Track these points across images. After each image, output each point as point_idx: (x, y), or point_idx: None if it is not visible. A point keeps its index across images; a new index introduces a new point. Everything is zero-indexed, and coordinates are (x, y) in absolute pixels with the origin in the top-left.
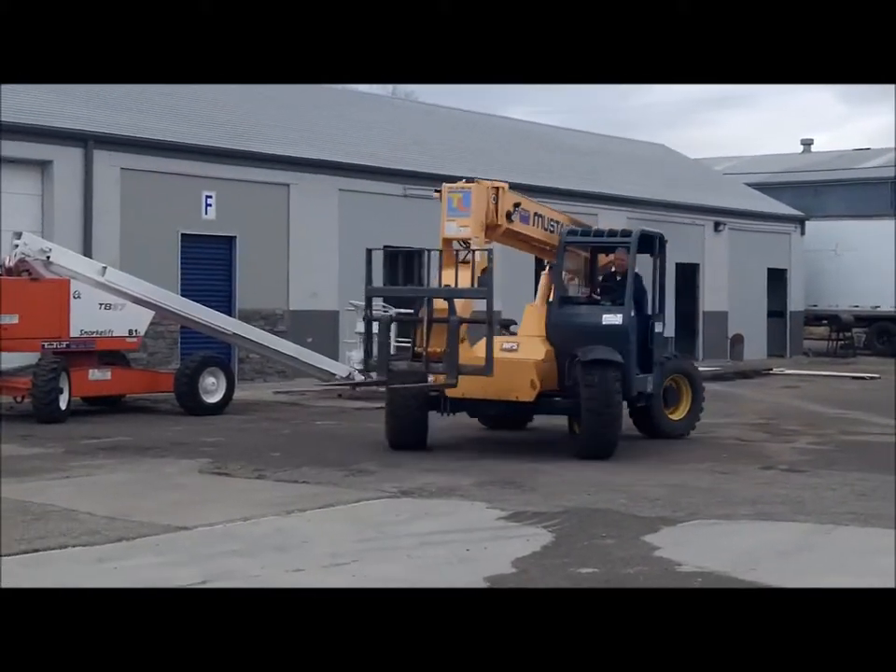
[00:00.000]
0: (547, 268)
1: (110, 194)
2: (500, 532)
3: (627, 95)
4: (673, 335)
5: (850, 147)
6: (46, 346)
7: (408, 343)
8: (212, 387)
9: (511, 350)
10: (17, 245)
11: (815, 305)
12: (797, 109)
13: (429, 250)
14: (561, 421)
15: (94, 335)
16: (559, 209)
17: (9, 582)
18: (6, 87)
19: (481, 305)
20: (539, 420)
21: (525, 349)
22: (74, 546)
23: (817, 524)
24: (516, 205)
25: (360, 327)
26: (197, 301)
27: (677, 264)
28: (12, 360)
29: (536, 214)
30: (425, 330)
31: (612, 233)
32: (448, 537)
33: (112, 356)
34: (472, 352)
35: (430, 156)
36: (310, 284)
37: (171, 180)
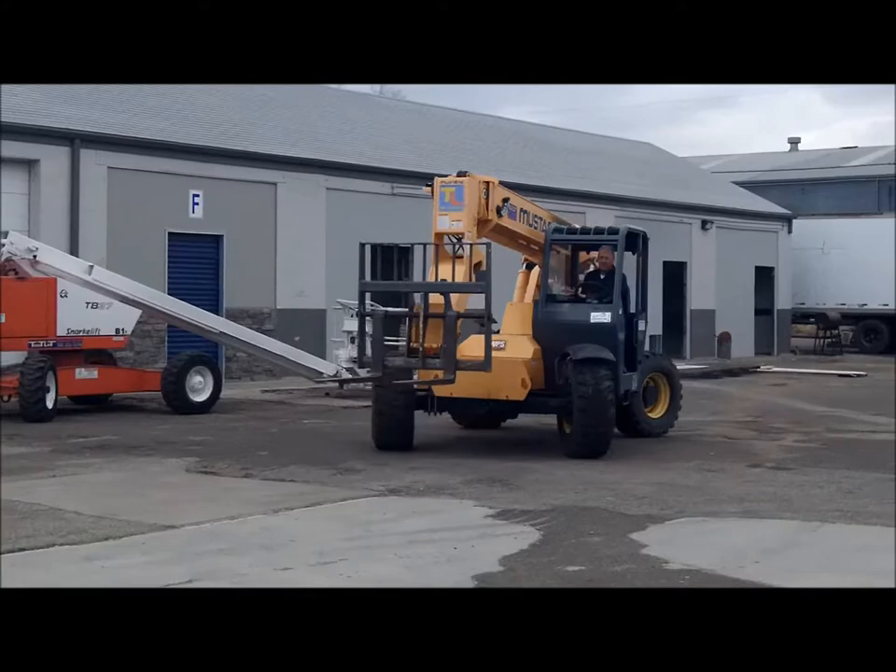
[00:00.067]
0: (524, 266)
1: (97, 193)
2: (488, 530)
3: (615, 95)
4: (661, 333)
5: (837, 146)
6: (32, 345)
7: (395, 341)
8: (199, 386)
9: (498, 349)
10: (3, 245)
11: (802, 303)
12: (784, 108)
13: (424, 244)
14: (542, 419)
15: (81, 334)
16: (547, 207)
17: None
18: None
19: (473, 301)
20: (522, 418)
21: (512, 348)
22: (61, 545)
23: (804, 521)
24: (505, 200)
25: (348, 325)
26: (184, 300)
27: (664, 262)
28: None
29: (521, 210)
30: (421, 326)
31: (599, 231)
32: (436, 535)
33: (99, 354)
34: (460, 348)
35: (418, 155)
36: (297, 282)
37: (158, 179)
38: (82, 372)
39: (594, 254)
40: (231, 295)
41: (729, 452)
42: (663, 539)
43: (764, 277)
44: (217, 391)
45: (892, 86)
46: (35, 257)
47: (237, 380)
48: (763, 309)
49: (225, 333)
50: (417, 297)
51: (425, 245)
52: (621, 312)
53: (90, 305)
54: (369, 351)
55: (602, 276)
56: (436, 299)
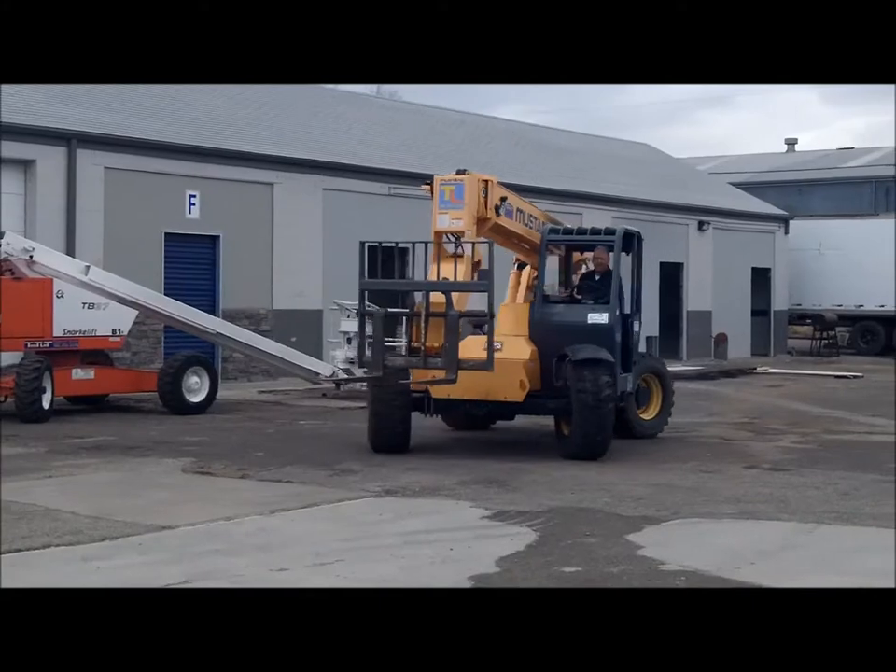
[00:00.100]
0: (515, 266)
1: (93, 193)
2: (484, 531)
3: (612, 95)
4: (657, 335)
5: (834, 147)
6: (29, 346)
7: (392, 341)
8: (195, 387)
9: (495, 350)
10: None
11: (799, 304)
12: (781, 109)
13: (426, 242)
14: (537, 420)
15: (77, 334)
16: (543, 208)
17: None
18: None
19: (471, 301)
20: (517, 419)
21: (509, 349)
22: (57, 546)
23: (800, 522)
24: (503, 199)
25: (344, 326)
26: (181, 301)
27: (661, 263)
28: None
29: (518, 209)
30: (422, 325)
31: (595, 232)
32: (432, 536)
33: (95, 355)
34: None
35: (415, 155)
36: (294, 283)
37: (154, 179)
38: (79, 373)
39: (587, 254)
40: (227, 295)
41: (725, 453)
42: (659, 540)
43: (761, 278)
44: (214, 392)
45: (889, 87)
46: (31, 257)
47: (234, 381)
48: (760, 310)
49: (221, 334)
50: (417, 296)
51: (426, 243)
52: (618, 313)
53: (86, 306)
54: (367, 351)
55: (597, 277)
56: (437, 298)
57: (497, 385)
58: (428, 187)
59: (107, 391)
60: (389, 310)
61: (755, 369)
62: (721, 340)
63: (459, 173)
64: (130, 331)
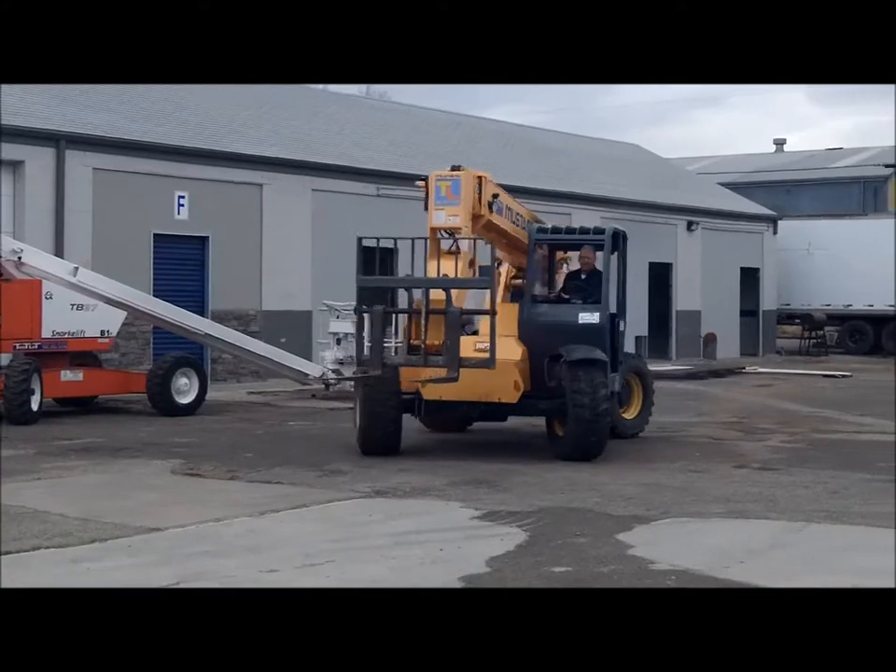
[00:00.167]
0: (496, 266)
1: (82, 194)
2: (474, 531)
3: (601, 95)
4: (646, 334)
5: (823, 147)
6: (17, 347)
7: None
8: (185, 388)
9: (486, 350)
10: None
11: (787, 304)
12: (770, 109)
13: (426, 239)
14: (525, 421)
15: (66, 336)
16: (533, 209)
17: None
18: None
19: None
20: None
21: (501, 349)
22: (47, 548)
23: (789, 521)
24: (495, 196)
25: (334, 326)
26: (169, 302)
27: (650, 263)
28: None
29: (507, 207)
30: (423, 322)
31: (584, 231)
32: (422, 536)
33: (84, 356)
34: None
35: (404, 156)
36: (283, 284)
37: (143, 180)
38: (67, 374)
39: (570, 254)
40: (216, 296)
41: (715, 452)
42: (649, 539)
43: (750, 278)
44: (203, 393)
45: (877, 87)
46: (19, 258)
47: (223, 382)
48: (749, 310)
49: (210, 335)
50: (403, 295)
51: (426, 240)
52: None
53: (75, 307)
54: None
55: (583, 276)
56: (436, 295)
57: (491, 385)
58: (423, 183)
59: (96, 393)
60: (387, 308)
61: (744, 368)
62: (711, 340)
63: (454, 169)
64: (119, 332)
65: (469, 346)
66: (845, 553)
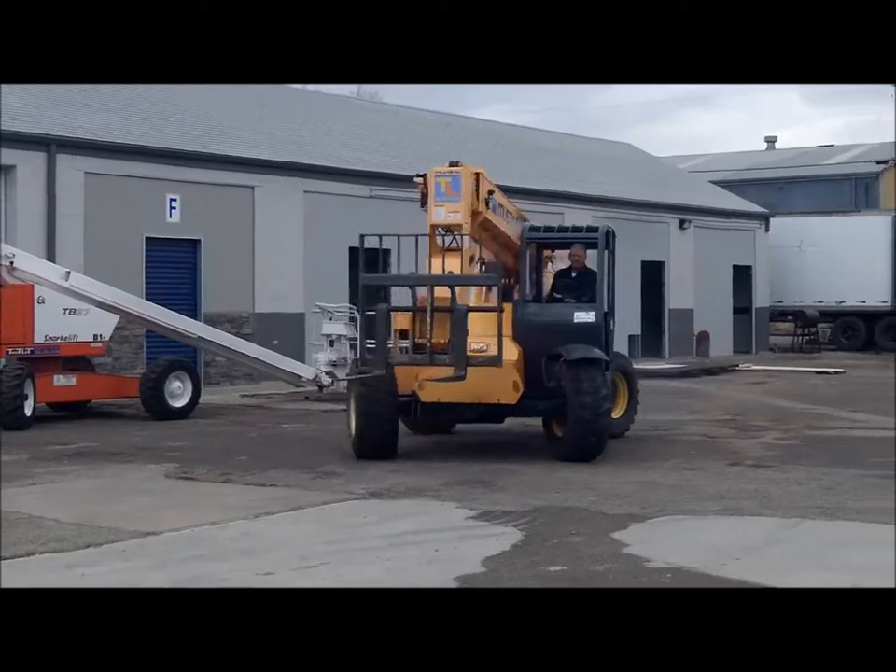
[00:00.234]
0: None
1: (74, 198)
2: (470, 532)
3: (593, 94)
4: (639, 333)
5: (814, 144)
6: (10, 352)
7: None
8: (178, 391)
9: (482, 351)
10: None
11: (780, 301)
12: (761, 107)
13: (427, 235)
14: (519, 421)
15: (59, 340)
16: (525, 209)
17: None
18: None
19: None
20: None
21: (496, 350)
22: (42, 553)
23: (784, 518)
24: (490, 193)
25: (327, 328)
26: (162, 305)
27: (642, 262)
28: None
29: (499, 204)
30: (428, 320)
31: (577, 229)
32: (418, 537)
33: (77, 361)
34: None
35: (396, 157)
36: (275, 286)
37: (135, 184)
38: (60, 379)
39: (557, 252)
40: (209, 299)
41: (709, 450)
42: (644, 537)
43: (742, 276)
44: (196, 396)
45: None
46: (11, 263)
47: (216, 385)
48: (742, 307)
49: (203, 338)
50: (397, 291)
51: (429, 236)
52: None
53: (67, 311)
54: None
55: (574, 275)
56: (441, 293)
57: (489, 387)
58: (422, 179)
59: (89, 397)
60: (392, 307)
61: (737, 366)
62: (703, 338)
63: (452, 165)
64: (111, 337)
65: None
66: (839, 548)
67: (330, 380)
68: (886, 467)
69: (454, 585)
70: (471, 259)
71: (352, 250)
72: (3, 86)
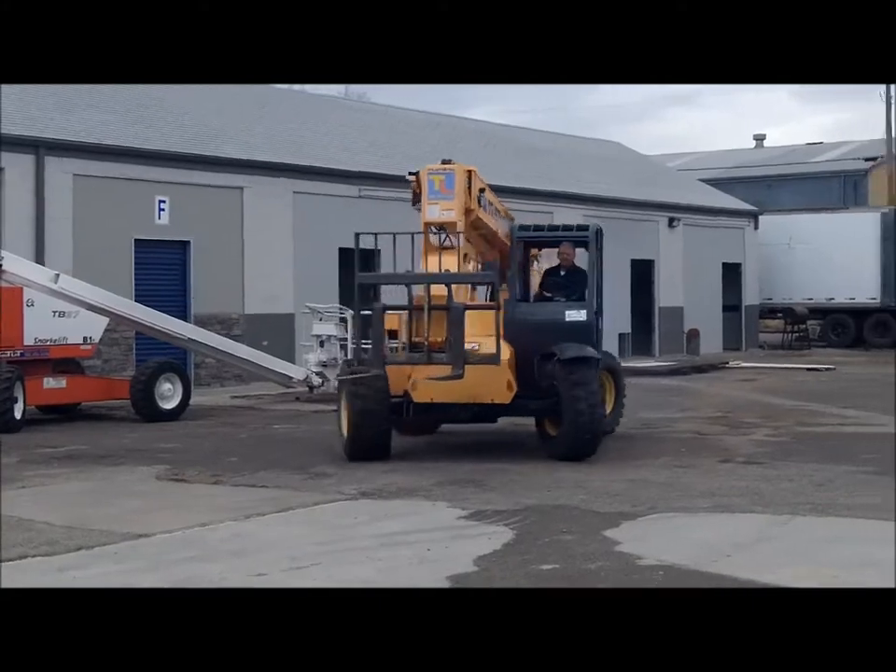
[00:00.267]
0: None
1: (62, 201)
2: (461, 531)
3: (582, 94)
4: (630, 331)
5: (803, 142)
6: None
7: (367, 344)
8: (168, 393)
9: (474, 350)
10: None
11: (769, 299)
12: (750, 105)
13: (425, 233)
14: (503, 420)
15: (48, 343)
16: (515, 208)
17: None
18: None
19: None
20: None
21: (489, 349)
22: (33, 556)
23: (775, 514)
24: (481, 191)
25: (317, 329)
26: (152, 307)
27: (632, 260)
28: None
29: (489, 202)
30: (426, 319)
31: (567, 228)
32: (409, 537)
33: (67, 363)
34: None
35: (385, 157)
36: (265, 287)
37: (123, 185)
38: (50, 382)
39: (544, 251)
40: (198, 301)
41: (700, 447)
42: (636, 535)
43: (732, 273)
44: (187, 398)
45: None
46: (0, 266)
47: (206, 386)
48: (731, 305)
49: (193, 340)
50: (387, 291)
51: (426, 234)
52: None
53: (57, 314)
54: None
55: (562, 273)
56: (437, 291)
57: (483, 386)
58: (415, 177)
59: (79, 399)
60: (387, 305)
61: (727, 363)
62: (693, 335)
63: (444, 162)
64: (101, 339)
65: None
66: (830, 545)
67: (321, 380)
68: (877, 463)
69: (446, 585)
70: (465, 257)
71: (342, 251)
72: None
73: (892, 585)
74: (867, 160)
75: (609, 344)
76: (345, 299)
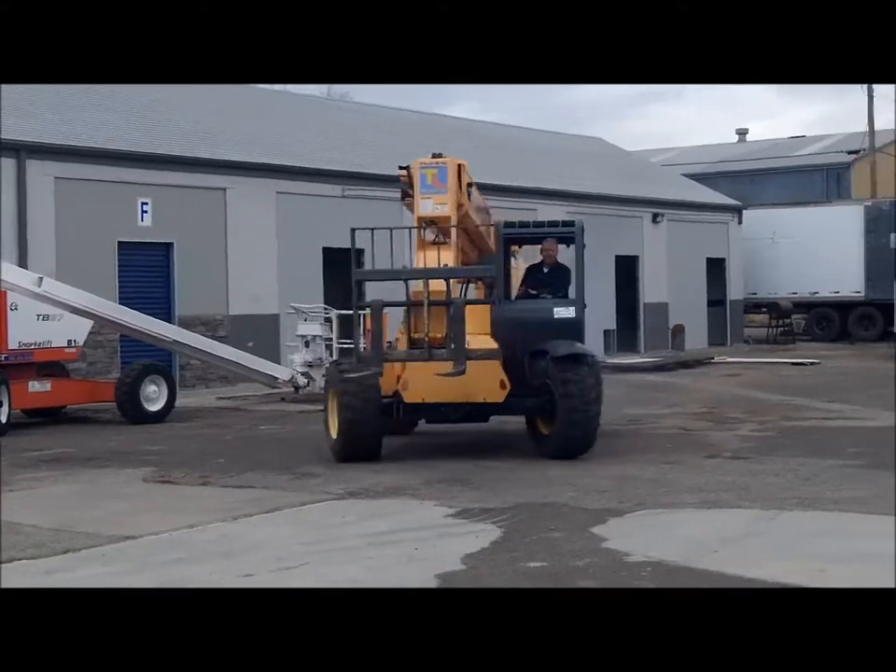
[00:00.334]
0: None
1: (44, 204)
2: (449, 529)
3: (563, 90)
4: (615, 328)
5: (785, 136)
6: None
7: (350, 344)
8: (153, 395)
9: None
10: None
11: (754, 293)
12: (732, 99)
13: (424, 228)
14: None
15: (33, 347)
16: (498, 205)
17: None
18: None
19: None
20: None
21: (479, 346)
22: (21, 559)
23: (762, 509)
24: (469, 185)
25: (302, 329)
26: (136, 309)
27: (616, 256)
28: None
29: (475, 197)
30: (426, 315)
31: (553, 224)
32: (397, 536)
33: (51, 367)
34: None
35: (368, 156)
36: (249, 288)
37: (105, 188)
38: (35, 385)
39: (525, 247)
40: (182, 302)
41: (686, 443)
42: (623, 532)
43: (716, 268)
44: (172, 400)
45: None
46: None
47: (192, 388)
48: (716, 300)
49: (178, 341)
50: (374, 286)
51: (424, 229)
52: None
53: (41, 317)
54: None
55: (545, 270)
56: (435, 286)
57: (475, 385)
58: (405, 172)
59: (64, 403)
60: (386, 301)
61: (712, 358)
62: (678, 331)
63: (435, 156)
64: (85, 342)
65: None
66: (818, 538)
67: (306, 381)
68: (862, 456)
69: (434, 583)
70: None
71: (326, 251)
72: None
73: (880, 579)
74: (850, 153)
75: (595, 341)
76: (330, 299)
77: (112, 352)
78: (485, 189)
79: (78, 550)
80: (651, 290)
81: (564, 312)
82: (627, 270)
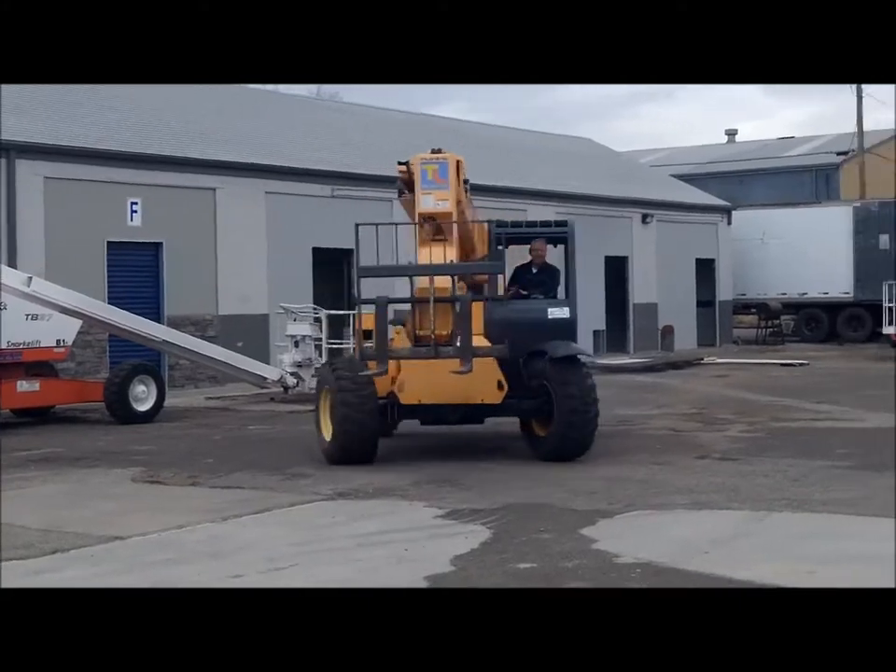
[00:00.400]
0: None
1: (33, 204)
2: (439, 530)
3: (552, 91)
4: (604, 328)
5: (775, 137)
6: None
7: (339, 344)
8: (142, 395)
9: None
10: None
11: (743, 294)
12: (721, 100)
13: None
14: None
15: (22, 346)
16: (487, 205)
17: None
18: None
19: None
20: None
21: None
22: (9, 560)
23: (751, 511)
24: (466, 182)
25: (291, 329)
26: (125, 309)
27: (606, 257)
28: None
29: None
30: (431, 312)
31: (546, 224)
32: (386, 537)
33: (40, 366)
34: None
35: (357, 156)
36: (239, 288)
37: (95, 188)
38: (24, 385)
39: (512, 247)
40: (172, 302)
41: (675, 444)
42: (613, 533)
43: (705, 269)
44: (161, 400)
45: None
46: None
47: (181, 388)
48: (705, 301)
49: (168, 341)
50: (369, 284)
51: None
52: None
53: (29, 317)
54: (300, 356)
55: (534, 270)
56: (441, 283)
57: (473, 387)
58: (404, 167)
59: (53, 402)
60: (392, 298)
61: (702, 359)
62: (668, 332)
63: (435, 152)
64: (74, 342)
65: None
66: (807, 540)
67: (295, 381)
68: (851, 458)
69: (424, 584)
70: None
71: (315, 251)
72: None
73: (868, 579)
74: (839, 154)
75: (584, 341)
76: (319, 299)
77: (101, 352)
78: (475, 189)
79: (67, 550)
80: (640, 291)
81: (558, 312)
82: (617, 270)
